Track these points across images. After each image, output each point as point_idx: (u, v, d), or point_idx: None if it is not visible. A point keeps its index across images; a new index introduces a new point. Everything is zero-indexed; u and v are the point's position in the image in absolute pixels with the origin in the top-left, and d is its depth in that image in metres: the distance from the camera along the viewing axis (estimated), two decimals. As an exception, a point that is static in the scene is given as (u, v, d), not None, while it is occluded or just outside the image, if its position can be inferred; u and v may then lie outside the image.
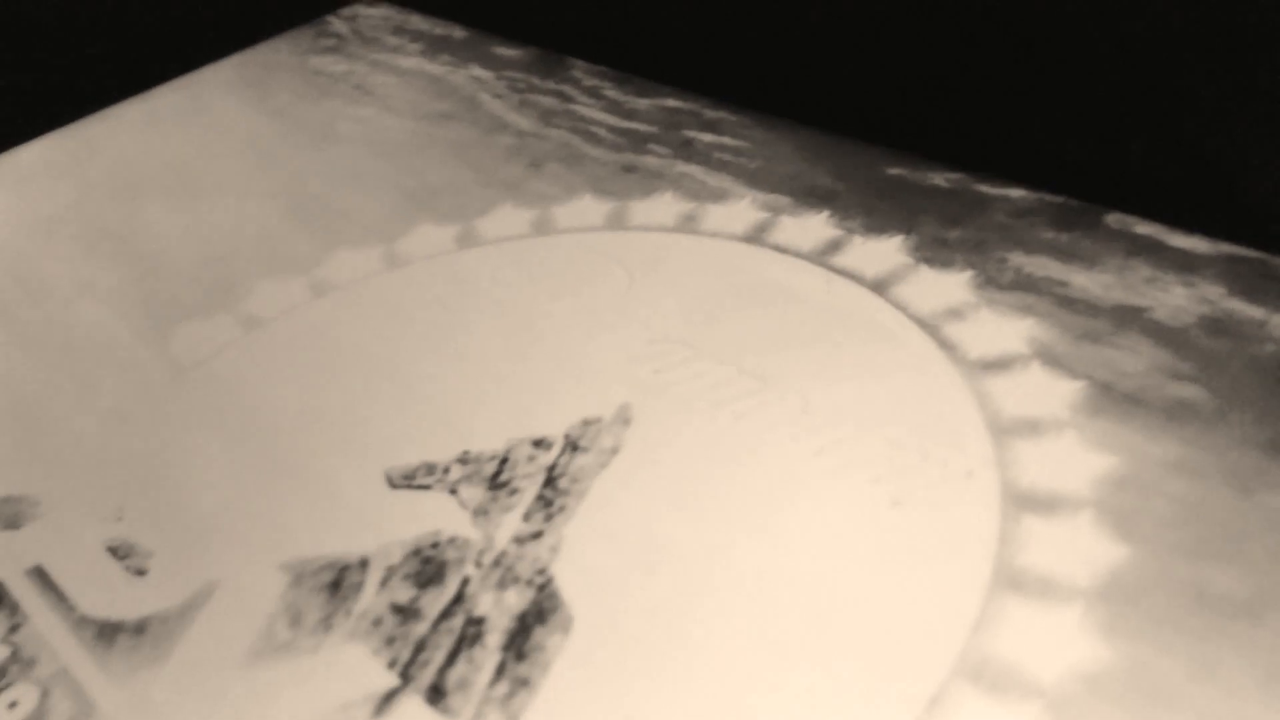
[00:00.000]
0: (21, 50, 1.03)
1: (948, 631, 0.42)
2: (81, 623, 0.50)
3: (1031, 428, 0.50)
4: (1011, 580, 0.44)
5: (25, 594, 0.52)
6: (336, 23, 1.04)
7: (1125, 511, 0.46)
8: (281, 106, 0.91)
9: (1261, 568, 0.43)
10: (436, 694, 0.43)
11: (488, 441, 0.55)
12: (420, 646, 0.45)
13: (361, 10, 1.06)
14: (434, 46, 0.97)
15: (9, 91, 0.99)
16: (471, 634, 0.45)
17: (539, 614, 0.46)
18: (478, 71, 0.92)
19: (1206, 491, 0.46)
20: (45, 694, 0.47)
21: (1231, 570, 0.43)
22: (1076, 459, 0.48)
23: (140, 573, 0.52)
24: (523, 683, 0.43)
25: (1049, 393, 0.52)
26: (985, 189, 0.66)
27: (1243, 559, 0.43)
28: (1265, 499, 0.45)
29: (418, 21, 1.02)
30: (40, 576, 0.53)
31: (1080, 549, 0.44)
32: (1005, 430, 0.50)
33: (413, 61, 0.95)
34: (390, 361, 0.61)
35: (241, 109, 0.92)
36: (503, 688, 0.43)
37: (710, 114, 0.80)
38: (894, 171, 0.69)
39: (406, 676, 0.44)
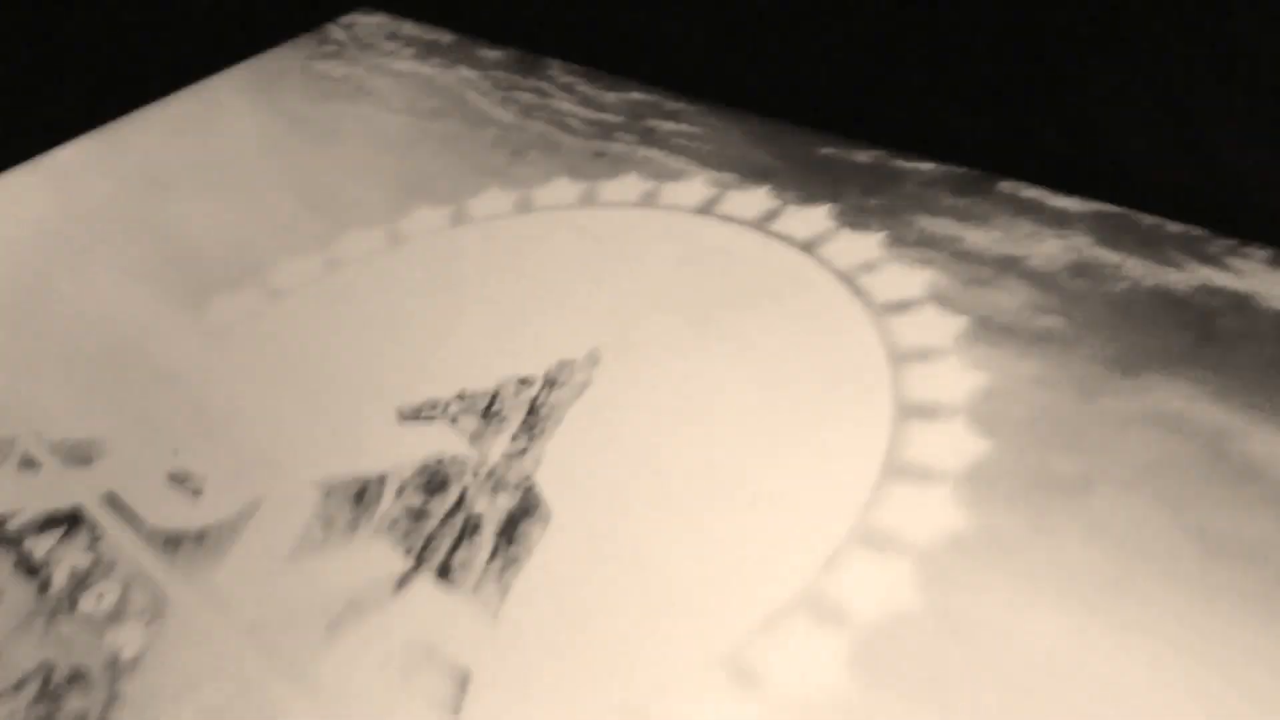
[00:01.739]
0: (54, 60, 1.13)
1: (845, 507, 0.53)
2: (151, 534, 0.61)
3: (922, 355, 0.61)
4: (897, 469, 0.55)
5: (101, 514, 0.63)
6: (336, 30, 1.15)
7: (991, 416, 0.57)
8: (289, 108, 1.02)
9: (1094, 453, 0.54)
10: (445, 572, 0.55)
11: (481, 381, 0.66)
12: (430, 538, 0.57)
13: (359, 18, 1.17)
14: (425, 50, 1.08)
15: (46, 97, 1.09)
16: (471, 527, 0.57)
17: (524, 511, 0.57)
18: (465, 72, 1.03)
19: (1057, 397, 0.57)
20: (126, 588, 0.58)
21: (1070, 455, 0.54)
22: (956, 377, 0.59)
23: (197, 493, 0.63)
24: (512, 561, 0.54)
25: (938, 327, 0.63)
26: (900, 163, 0.77)
27: (1080, 447, 0.54)
28: (1104, 402, 0.57)
29: (410, 28, 1.13)
30: (113, 500, 0.64)
31: (953, 445, 0.56)
32: (901, 357, 0.61)
33: (406, 64, 1.06)
34: (397, 322, 0.73)
35: (254, 111, 1.03)
36: (497, 565, 0.54)
37: (670, 105, 0.91)
38: (825, 151, 0.80)
39: (420, 560, 0.55)
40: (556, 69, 1.00)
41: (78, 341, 0.77)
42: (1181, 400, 0.56)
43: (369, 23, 1.16)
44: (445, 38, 1.10)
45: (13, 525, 0.63)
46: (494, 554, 0.55)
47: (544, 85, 0.98)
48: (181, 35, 1.20)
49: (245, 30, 1.18)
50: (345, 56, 1.09)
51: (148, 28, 1.20)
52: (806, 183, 0.78)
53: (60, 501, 0.64)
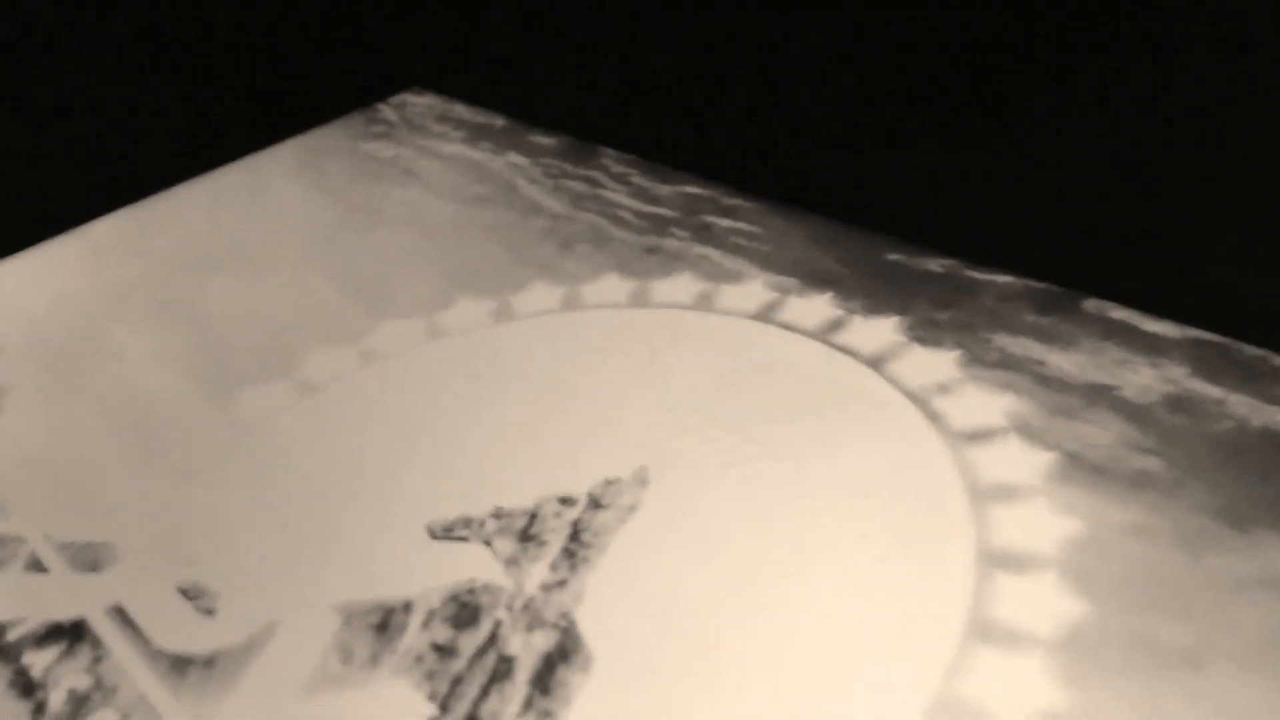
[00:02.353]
0: (97, 130, 1.11)
1: (924, 675, 0.47)
2: (157, 656, 0.56)
3: (1007, 493, 0.56)
4: (982, 631, 0.49)
5: (106, 630, 0.58)
6: (386, 110, 1.13)
7: (1086, 571, 0.51)
8: (335, 188, 0.99)
9: (1204, 622, 0.48)
10: (471, 722, 0.49)
11: (519, 498, 0.61)
12: (457, 681, 0.51)
13: (410, 99, 1.14)
14: (475, 134, 1.05)
15: (86, 168, 1.07)
16: (502, 670, 0.51)
17: (563, 653, 0.52)
18: (515, 158, 0.99)
19: (1160, 553, 0.51)
20: (125, 718, 0.53)
21: (1177, 624, 0.48)
22: (1045, 522, 0.54)
23: (209, 612, 0.58)
24: (547, 715, 0.49)
25: (1024, 462, 0.57)
26: (975, 274, 0.72)
27: (1188, 614, 0.49)
28: (1212, 561, 0.51)
29: (461, 110, 1.10)
30: (120, 615, 0.59)
31: (1044, 604, 0.50)
32: (983, 495, 0.56)
33: (456, 148, 1.03)
34: (432, 425, 0.68)
35: (298, 190, 1.00)
36: (530, 719, 0.49)
37: (727, 200, 0.87)
38: (893, 257, 0.76)
39: (445, 708, 0.50)
40: (610, 158, 0.97)
41: (98, 433, 0.73)
42: (1302, 563, 0.50)
43: (420, 103, 1.13)
44: (497, 121, 1.07)
45: (13, 635, 0.59)
46: (527, 705, 0.50)
47: (596, 174, 0.94)
48: (234, 109, 1.18)
49: (298, 106, 1.16)
50: (395, 137, 1.07)
51: (201, 100, 1.18)
52: (873, 291, 0.73)
53: (65, 612, 0.60)
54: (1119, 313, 0.67)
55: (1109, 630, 0.48)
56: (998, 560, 0.52)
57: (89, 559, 0.63)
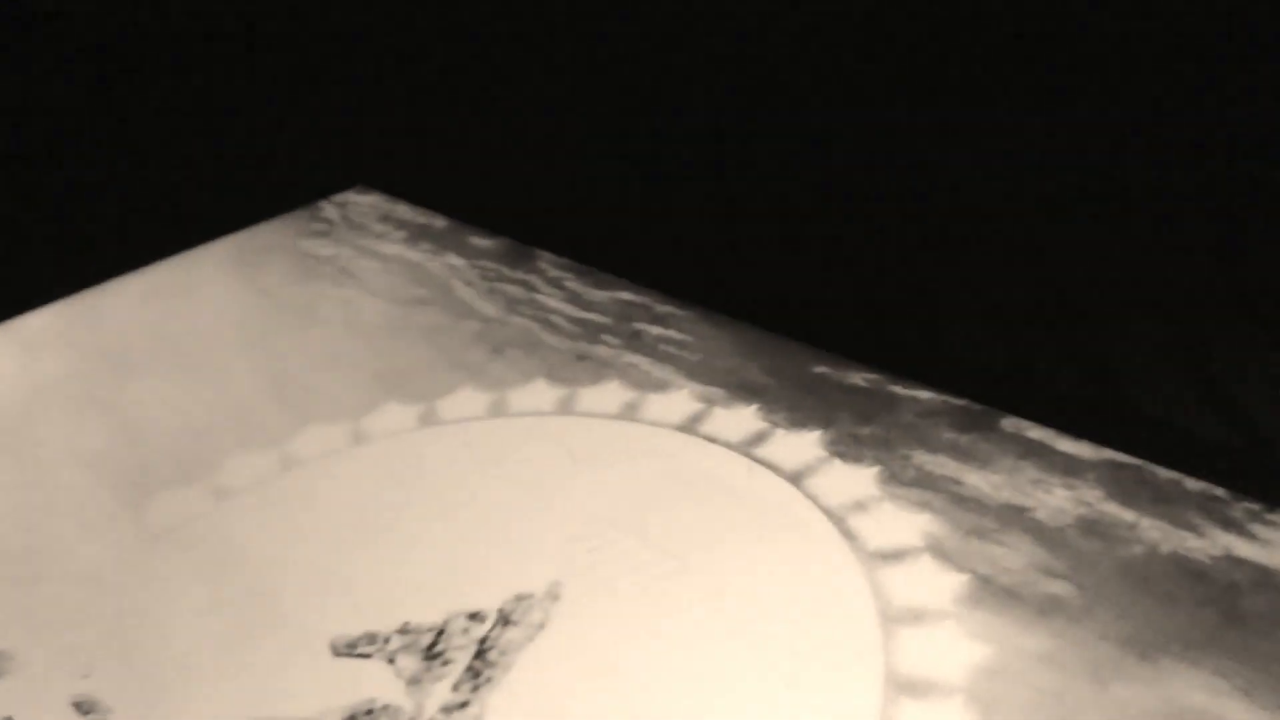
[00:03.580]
0: (34, 222, 1.11)
1: (822, 807, 0.46)
2: (40, 776, 0.54)
3: (917, 617, 0.55)
4: (884, 760, 0.48)
5: (-10, 747, 0.56)
6: (329, 208, 1.13)
7: (992, 699, 0.51)
8: (270, 286, 0.99)
9: (1108, 755, 0.48)
10: None
11: (428, 614, 0.60)
12: (347, 808, 0.49)
13: (352, 198, 1.15)
14: (416, 234, 1.05)
15: (21, 262, 1.07)
16: (395, 797, 0.50)
17: (458, 780, 0.50)
18: (453, 260, 1.00)
19: (1066, 682, 0.51)
20: (-1, 844, 0.50)
21: (1081, 757, 0.48)
22: (954, 647, 0.53)
23: (98, 730, 0.56)
24: (437, 845, 0.47)
25: (935, 584, 0.57)
26: (897, 389, 0.72)
27: (1092, 746, 0.48)
28: (1118, 690, 0.50)
29: (403, 210, 1.11)
30: (6, 731, 0.57)
31: (949, 733, 0.49)
32: (893, 618, 0.55)
33: (395, 248, 1.03)
34: (346, 536, 0.67)
35: (233, 287, 0.99)
36: None
37: (660, 308, 0.87)
38: (818, 369, 0.76)
39: (332, 836, 0.48)
40: (546, 262, 0.97)
41: (3, 535, 0.71)
42: (1203, 695, 0.49)
43: (362, 202, 1.14)
44: (438, 222, 1.08)
45: (-108, 750, 0.56)
46: (418, 835, 0.48)
47: (532, 278, 0.95)
48: (176, 205, 1.18)
49: (238, 203, 1.17)
50: (334, 236, 1.07)
51: (145, 196, 1.18)
52: (797, 404, 0.73)
53: (-51, 726, 0.58)
54: (1036, 432, 0.67)
55: (1012, 763, 0.48)
56: (904, 687, 0.51)
57: (-20, 670, 0.61)
